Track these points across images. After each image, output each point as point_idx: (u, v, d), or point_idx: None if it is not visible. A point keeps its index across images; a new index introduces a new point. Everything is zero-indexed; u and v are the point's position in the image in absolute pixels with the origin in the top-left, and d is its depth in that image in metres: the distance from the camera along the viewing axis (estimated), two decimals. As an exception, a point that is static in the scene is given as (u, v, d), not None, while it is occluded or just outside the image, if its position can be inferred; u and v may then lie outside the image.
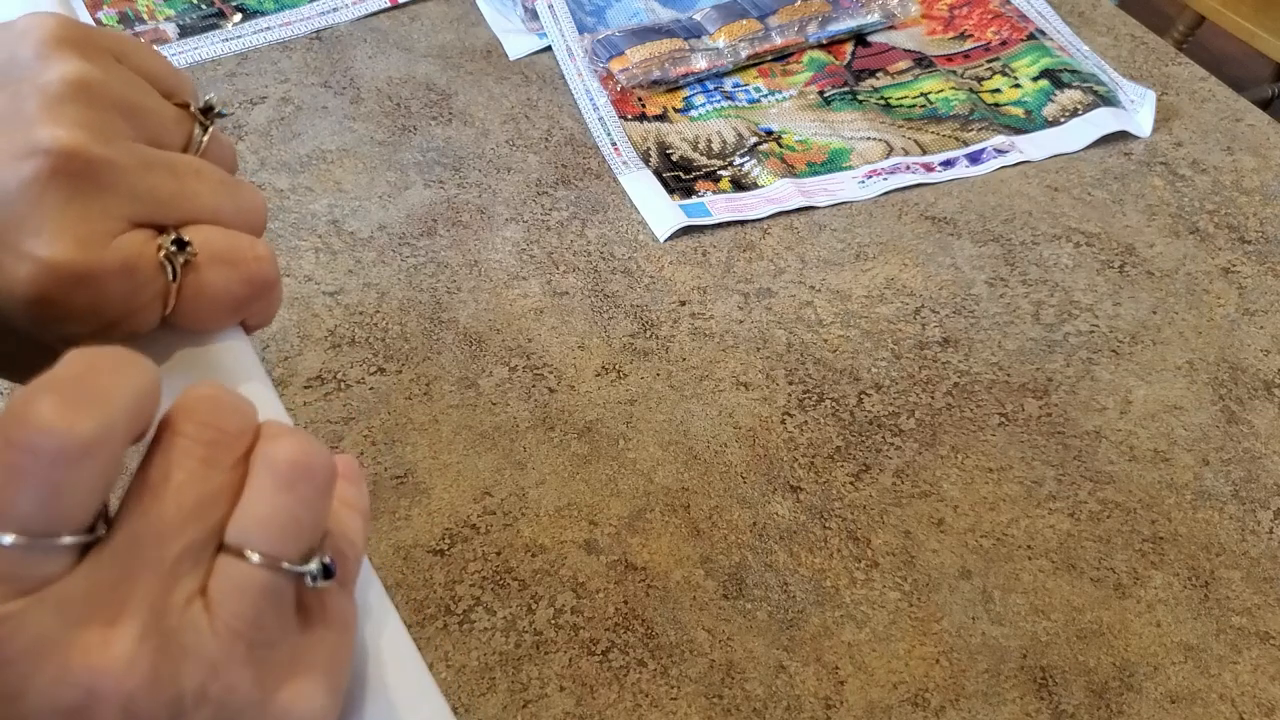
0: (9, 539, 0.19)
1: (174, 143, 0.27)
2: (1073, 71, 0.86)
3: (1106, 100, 0.83)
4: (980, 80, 0.87)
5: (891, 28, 0.90)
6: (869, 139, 0.80)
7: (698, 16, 0.87)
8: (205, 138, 0.28)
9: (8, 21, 0.26)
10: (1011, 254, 0.73)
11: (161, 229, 0.25)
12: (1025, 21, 0.91)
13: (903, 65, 0.87)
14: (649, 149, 0.78)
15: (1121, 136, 0.82)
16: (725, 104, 0.83)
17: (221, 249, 0.26)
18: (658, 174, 0.76)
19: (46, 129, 0.24)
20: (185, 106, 0.28)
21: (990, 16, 0.92)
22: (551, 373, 0.64)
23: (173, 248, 0.25)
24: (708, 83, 0.84)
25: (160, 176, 0.25)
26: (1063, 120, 0.83)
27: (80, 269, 0.24)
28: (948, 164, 0.79)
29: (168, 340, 0.27)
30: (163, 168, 0.26)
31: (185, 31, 0.83)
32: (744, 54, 0.85)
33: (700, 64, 0.84)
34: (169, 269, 0.25)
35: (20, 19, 0.26)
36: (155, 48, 0.83)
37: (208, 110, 0.28)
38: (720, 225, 0.73)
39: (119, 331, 0.25)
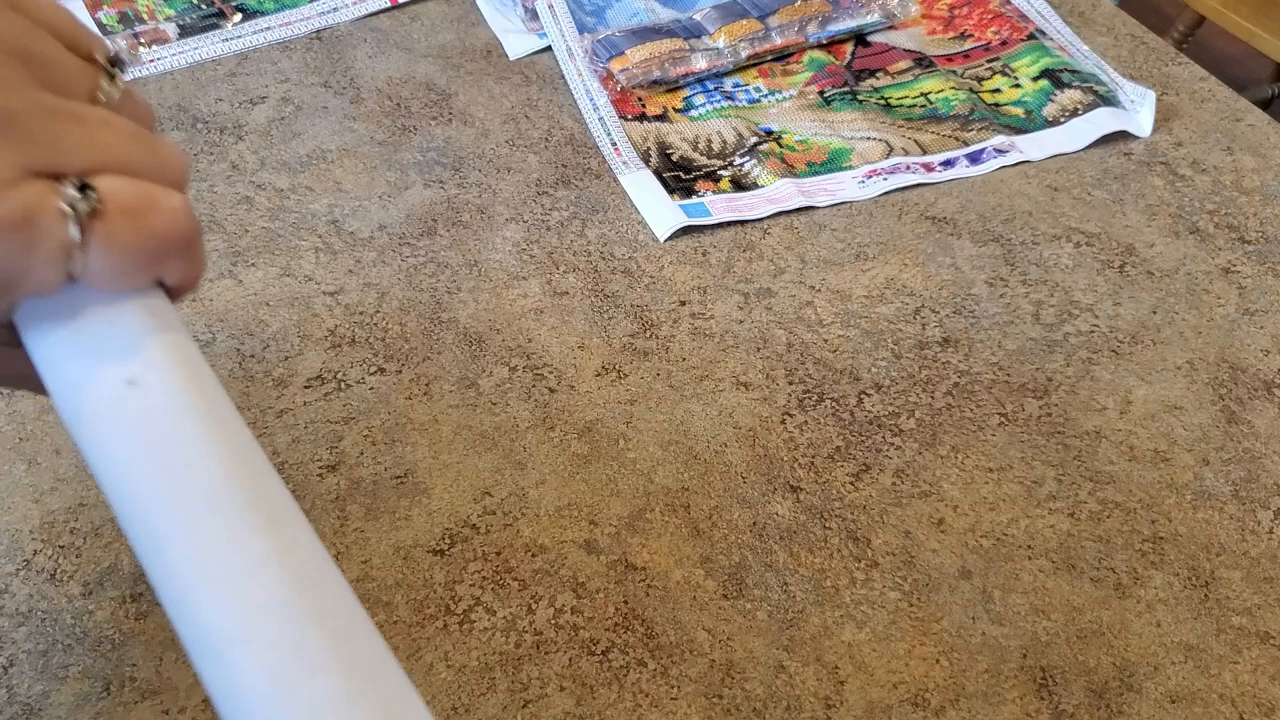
0: None
1: (79, 94, 0.25)
2: (1073, 71, 0.86)
3: (1106, 100, 0.83)
4: (980, 80, 0.87)
5: (891, 28, 0.90)
6: (869, 139, 0.80)
7: (698, 16, 0.87)
8: (116, 91, 0.26)
9: None
10: (1011, 254, 0.73)
11: (63, 180, 0.23)
12: (1025, 21, 0.91)
13: (903, 65, 0.87)
14: (649, 149, 0.78)
15: (1121, 136, 0.82)
16: (725, 104, 0.83)
17: (131, 199, 0.24)
18: (658, 174, 0.76)
19: None
20: (91, 60, 0.26)
21: (990, 16, 0.92)
22: (551, 373, 0.64)
23: (76, 194, 0.23)
24: (708, 83, 0.84)
25: (64, 124, 0.24)
26: (1063, 120, 0.83)
27: None
28: (948, 164, 0.79)
29: (74, 301, 0.24)
30: (67, 116, 0.24)
31: (185, 31, 0.83)
32: (744, 54, 0.85)
33: (700, 64, 0.84)
34: (73, 218, 0.23)
35: None
36: (156, 44, 0.82)
37: (115, 62, 0.26)
38: (720, 225, 0.73)
39: (18, 293, 0.23)
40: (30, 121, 0.23)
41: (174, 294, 0.26)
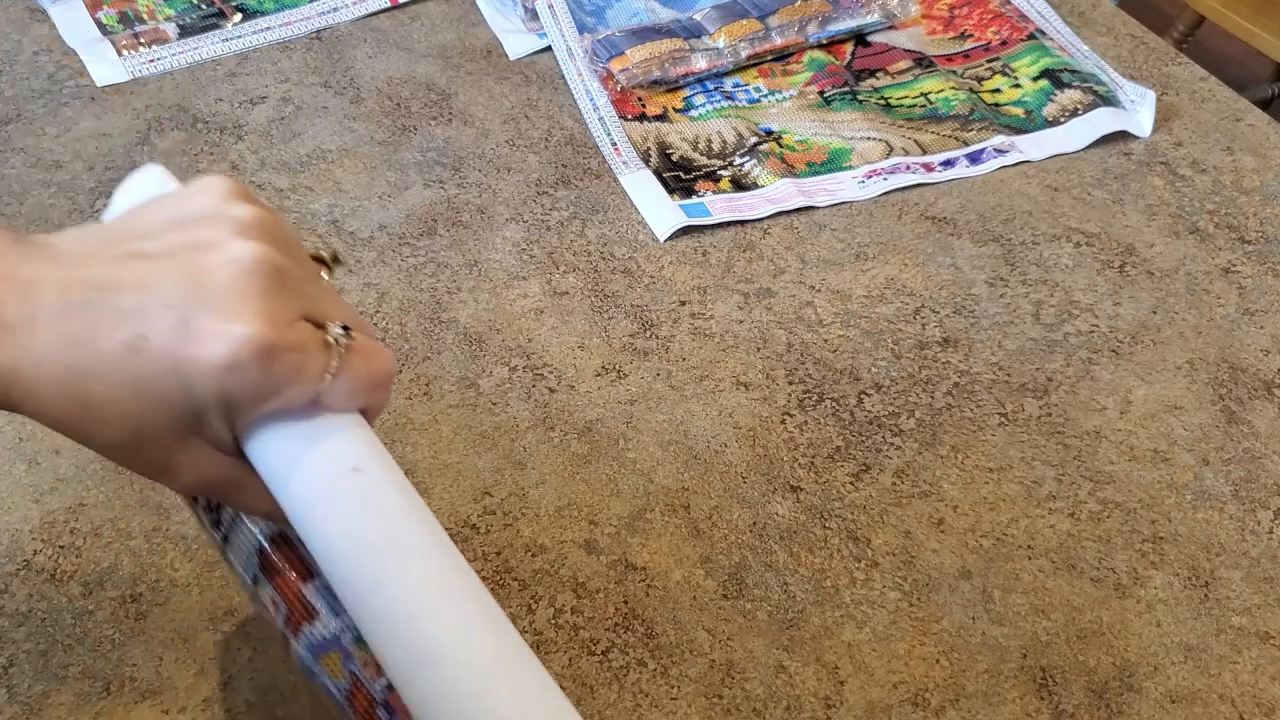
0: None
1: (314, 269, 0.35)
2: (1073, 71, 0.86)
3: (1106, 100, 0.83)
4: (980, 80, 0.87)
5: (891, 28, 0.90)
6: (869, 139, 0.80)
7: (698, 16, 0.87)
8: (329, 277, 0.36)
9: (189, 184, 0.34)
10: (1011, 254, 0.73)
11: (320, 325, 0.32)
12: (1025, 21, 0.91)
13: (903, 65, 0.87)
14: (649, 149, 0.78)
15: (1121, 136, 0.82)
16: (725, 104, 0.83)
17: (367, 344, 0.33)
18: (658, 174, 0.76)
19: (246, 244, 0.31)
20: (317, 258, 0.36)
21: (990, 16, 0.92)
22: (551, 373, 0.64)
23: (341, 332, 0.32)
24: (708, 83, 0.84)
25: (318, 287, 0.33)
26: (1063, 120, 0.83)
27: (268, 342, 0.30)
28: (948, 164, 0.79)
29: (301, 417, 0.32)
30: (319, 281, 0.34)
31: (185, 31, 0.83)
32: (744, 54, 0.85)
33: (700, 64, 0.84)
34: (336, 349, 0.32)
35: (196, 180, 0.34)
36: (156, 44, 0.82)
37: (334, 258, 0.38)
38: (720, 225, 0.73)
39: (277, 404, 0.31)
40: (302, 282, 0.32)
41: (368, 416, 0.35)
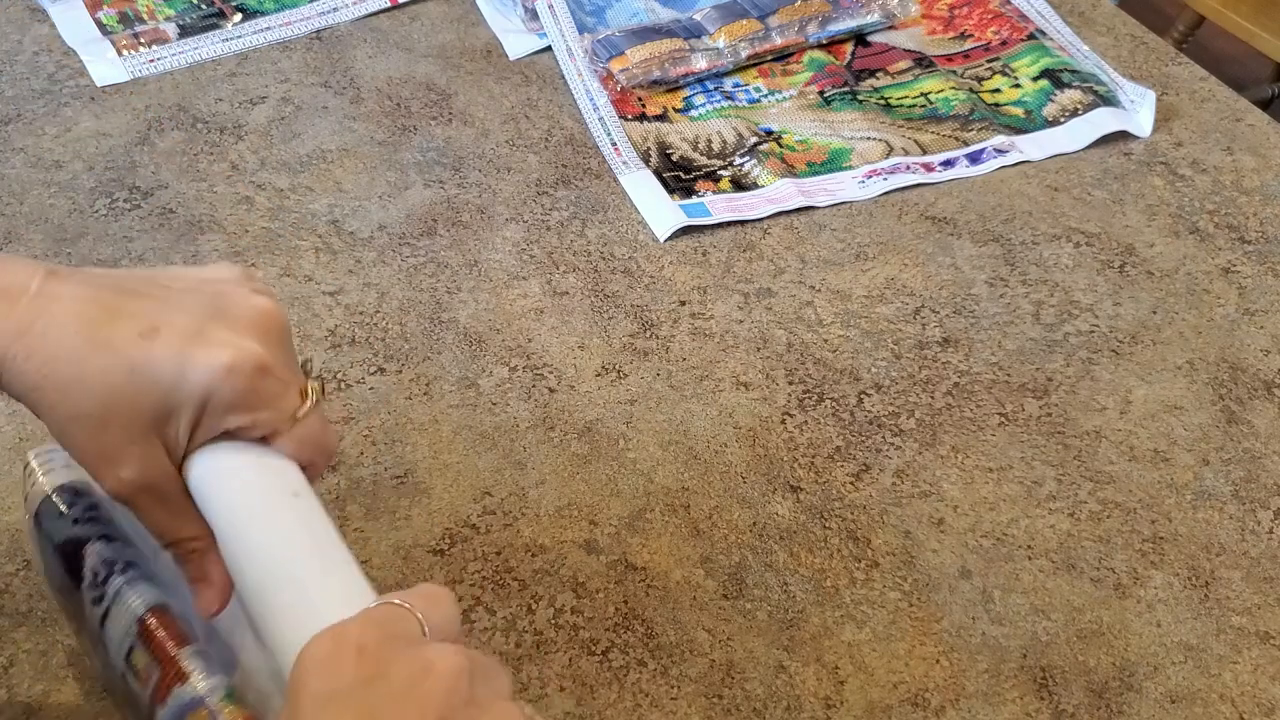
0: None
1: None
2: (1073, 71, 0.86)
3: (1106, 100, 0.83)
4: (980, 80, 0.87)
5: (891, 28, 0.90)
6: (869, 139, 0.80)
7: (698, 16, 0.87)
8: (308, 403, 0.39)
9: (204, 267, 0.38)
10: (1011, 254, 0.73)
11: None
12: (1025, 21, 0.91)
13: (903, 65, 0.87)
14: (649, 149, 0.78)
15: (1121, 136, 0.82)
16: (725, 104, 0.83)
17: (322, 418, 0.38)
18: (658, 174, 0.76)
19: (265, 299, 0.36)
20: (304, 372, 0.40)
21: (990, 16, 0.92)
22: (551, 373, 0.64)
23: (317, 386, 0.37)
24: (708, 83, 0.84)
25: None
26: (1063, 120, 0.83)
27: (266, 362, 0.35)
28: (948, 164, 0.79)
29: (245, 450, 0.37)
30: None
31: (185, 31, 0.83)
32: (744, 54, 0.85)
33: (700, 64, 0.84)
34: (310, 398, 0.36)
35: (213, 266, 0.38)
36: (156, 44, 0.82)
37: (320, 381, 0.40)
38: (720, 225, 0.73)
39: (249, 420, 0.35)
40: (291, 358, 0.37)
41: (309, 473, 0.38)
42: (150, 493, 0.36)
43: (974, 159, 0.80)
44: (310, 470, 0.38)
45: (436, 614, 0.32)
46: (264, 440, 0.36)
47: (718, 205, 0.74)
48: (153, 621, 0.38)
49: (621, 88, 0.82)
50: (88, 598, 0.40)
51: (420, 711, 0.29)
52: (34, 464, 0.43)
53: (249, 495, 0.35)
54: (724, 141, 0.79)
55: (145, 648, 0.38)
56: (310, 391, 0.37)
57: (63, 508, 0.42)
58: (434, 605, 0.32)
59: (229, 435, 0.36)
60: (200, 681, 0.36)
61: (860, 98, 0.84)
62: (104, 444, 0.34)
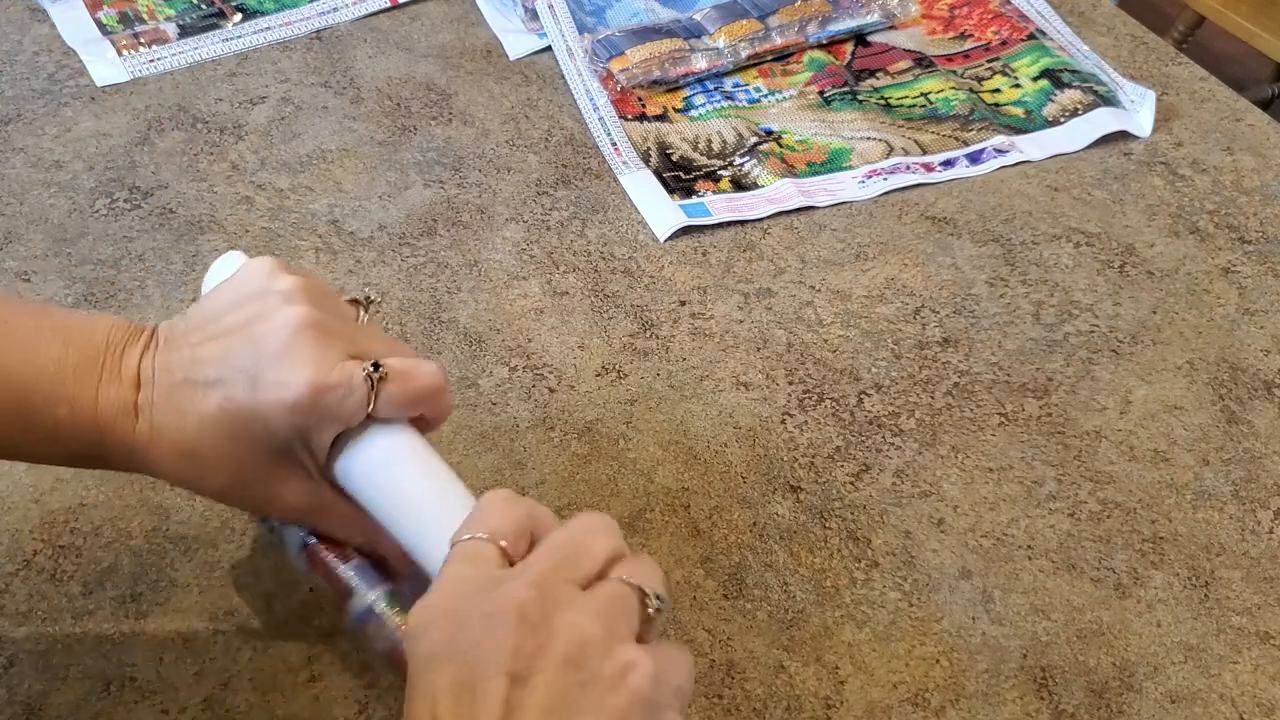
0: None
1: (349, 314, 0.43)
2: (1073, 71, 0.86)
3: (1106, 100, 0.83)
4: (980, 80, 0.87)
5: (891, 28, 0.90)
6: (869, 139, 0.80)
7: (698, 16, 0.87)
8: (366, 315, 0.44)
9: (238, 269, 0.43)
10: (1011, 254, 0.73)
11: (360, 361, 0.40)
12: (1025, 21, 0.91)
13: (903, 65, 0.87)
14: (649, 149, 0.78)
15: (1121, 136, 0.82)
16: (725, 104, 0.83)
17: (398, 369, 0.41)
18: (658, 174, 0.76)
19: (290, 309, 0.40)
20: (354, 302, 0.44)
21: (990, 16, 0.92)
22: (551, 373, 0.64)
23: (371, 368, 0.40)
24: (708, 83, 0.84)
25: (355, 328, 0.42)
26: (1063, 120, 0.83)
27: (316, 383, 0.39)
28: (948, 164, 0.79)
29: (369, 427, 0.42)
30: (355, 323, 0.43)
31: (185, 31, 0.83)
32: (744, 54, 0.85)
33: (700, 64, 0.84)
34: (370, 380, 0.40)
35: (245, 264, 0.43)
36: (156, 44, 0.82)
37: (367, 301, 0.45)
38: (720, 225, 0.73)
39: (341, 424, 0.40)
40: (338, 329, 0.41)
41: (430, 424, 0.44)
42: (311, 512, 0.43)
43: (974, 159, 0.80)
44: (432, 417, 0.43)
45: (508, 524, 0.37)
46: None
47: (718, 205, 0.74)
48: (313, 546, 0.44)
49: (621, 88, 0.82)
50: (260, 526, 0.49)
51: (498, 657, 0.33)
52: None
53: (381, 460, 0.41)
54: (724, 141, 0.79)
55: (313, 572, 0.44)
56: (369, 375, 0.40)
57: None
58: (503, 517, 0.37)
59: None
60: (364, 594, 0.42)
61: (860, 98, 0.84)
62: (254, 497, 0.42)
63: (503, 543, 0.36)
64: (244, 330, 0.40)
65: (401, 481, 0.41)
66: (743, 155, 0.78)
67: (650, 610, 0.35)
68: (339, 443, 0.41)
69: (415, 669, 0.34)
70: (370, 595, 0.41)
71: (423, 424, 0.43)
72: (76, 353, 0.40)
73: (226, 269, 0.45)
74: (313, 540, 0.44)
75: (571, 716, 0.32)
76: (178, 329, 0.41)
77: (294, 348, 0.39)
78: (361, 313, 0.44)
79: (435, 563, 0.38)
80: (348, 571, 0.42)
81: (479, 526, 0.37)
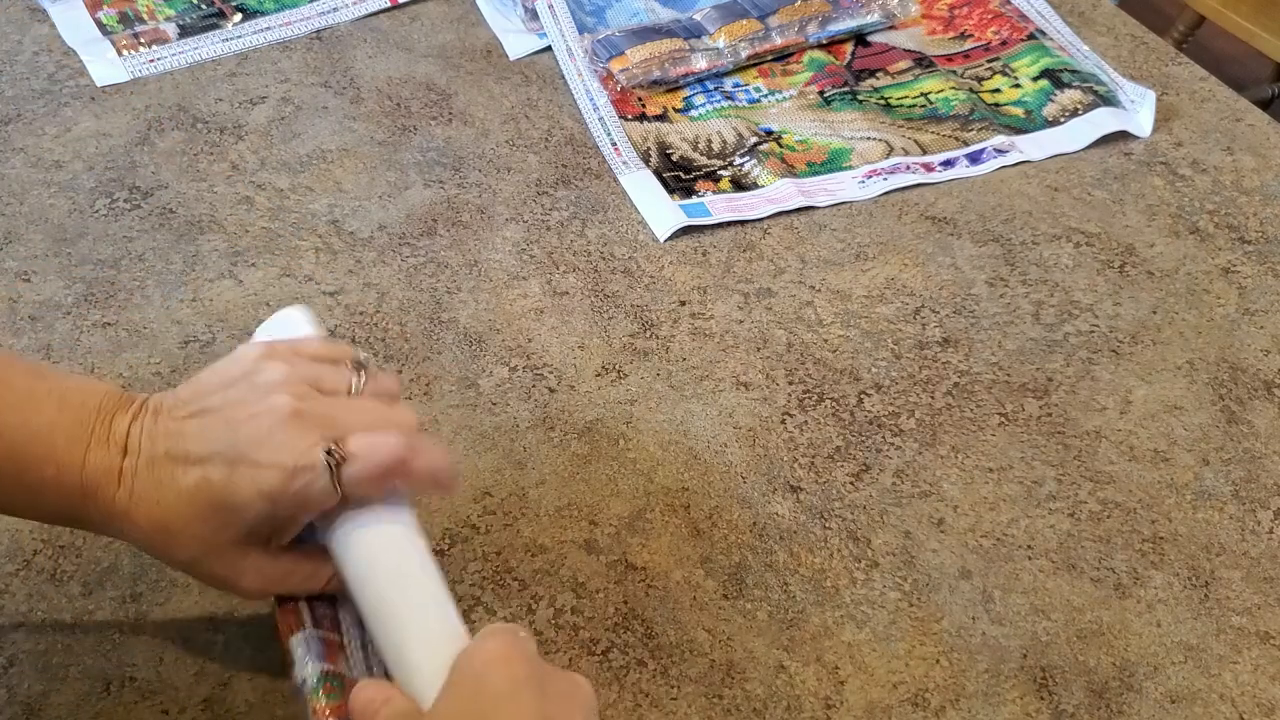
0: None
1: (341, 391, 0.44)
2: (1073, 71, 0.86)
3: (1106, 100, 0.83)
4: (980, 80, 0.87)
5: (891, 28, 0.90)
6: (869, 139, 0.80)
7: (698, 16, 0.87)
8: (361, 381, 0.44)
9: (235, 350, 0.44)
10: (1011, 254, 0.73)
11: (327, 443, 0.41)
12: (1025, 21, 0.91)
13: (903, 65, 0.87)
14: (649, 149, 0.78)
15: (1121, 136, 0.82)
16: (725, 104, 0.83)
17: (356, 448, 0.41)
18: (658, 174, 0.76)
19: (270, 399, 0.41)
20: (345, 365, 0.45)
21: (990, 16, 0.92)
22: (551, 373, 0.64)
23: (325, 453, 0.40)
24: (708, 83, 0.84)
25: (334, 411, 0.42)
26: (1063, 120, 0.83)
27: (288, 471, 0.40)
28: (948, 164, 0.79)
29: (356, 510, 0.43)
30: (334, 407, 0.43)
31: (185, 31, 0.83)
32: (744, 54, 0.85)
33: (700, 64, 0.84)
34: (329, 464, 0.40)
35: (241, 347, 0.44)
36: (156, 44, 0.82)
37: (359, 364, 0.45)
38: (720, 225, 0.73)
39: (315, 508, 0.42)
40: (319, 417, 0.41)
41: (433, 489, 0.47)
42: (275, 583, 0.44)
43: (974, 159, 0.80)
44: (406, 487, 0.44)
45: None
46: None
47: (718, 205, 0.74)
48: (283, 609, 0.44)
49: (621, 88, 0.82)
50: None
51: (580, 713, 0.37)
52: None
53: (368, 540, 0.42)
54: (724, 141, 0.79)
55: (275, 637, 0.44)
56: (328, 461, 0.41)
57: None
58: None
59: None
60: (300, 668, 0.42)
61: (860, 98, 0.84)
62: (217, 573, 0.43)
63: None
64: (227, 412, 0.41)
65: (383, 583, 0.42)
66: (743, 155, 0.78)
67: None
68: (333, 515, 0.42)
69: (489, 691, 0.37)
70: (304, 671, 0.42)
71: (428, 489, 0.45)
72: (69, 417, 0.41)
73: (283, 325, 0.47)
74: (286, 603, 0.44)
75: None
76: (167, 401, 0.43)
77: (271, 435, 0.40)
78: (356, 380, 0.44)
79: (412, 672, 0.39)
80: (294, 642, 0.43)
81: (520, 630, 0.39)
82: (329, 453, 0.40)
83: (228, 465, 0.40)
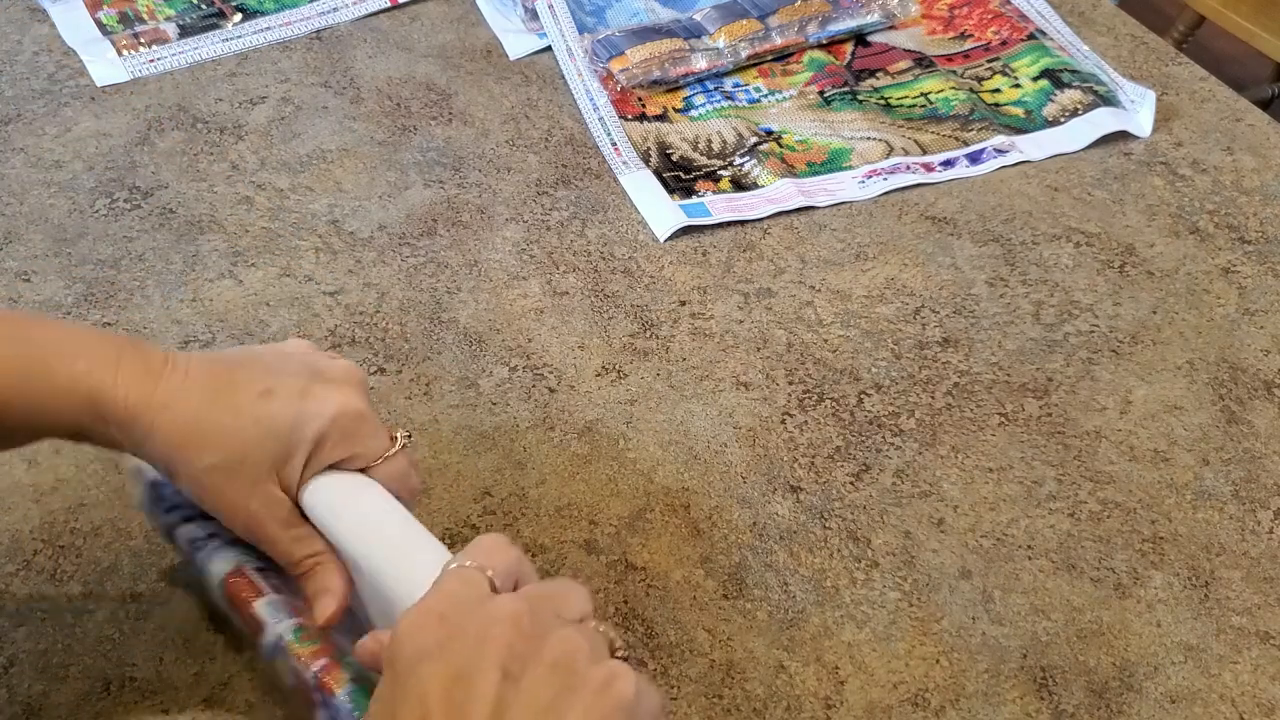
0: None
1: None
2: (1073, 71, 0.86)
3: (1106, 100, 0.83)
4: (980, 80, 0.87)
5: (891, 28, 0.90)
6: (869, 139, 0.80)
7: (698, 16, 0.87)
8: (396, 449, 0.46)
9: (282, 343, 0.46)
10: (1011, 254, 0.73)
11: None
12: (1025, 21, 0.91)
13: (903, 65, 0.87)
14: (649, 149, 0.78)
15: (1121, 136, 0.82)
16: (725, 104, 0.83)
17: (411, 460, 0.46)
18: (658, 174, 0.76)
19: (342, 360, 0.45)
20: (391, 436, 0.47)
21: (990, 16, 0.92)
22: (551, 373, 0.64)
23: (404, 435, 0.45)
24: (708, 83, 0.84)
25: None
26: (1063, 120, 0.83)
27: (363, 408, 0.44)
28: (948, 164, 0.79)
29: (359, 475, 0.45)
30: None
31: (185, 31, 0.83)
32: (744, 54, 0.85)
33: (700, 64, 0.84)
34: (402, 438, 0.45)
35: (289, 342, 0.47)
36: (156, 44, 0.82)
37: (394, 438, 0.46)
38: (720, 225, 0.73)
39: (350, 453, 0.43)
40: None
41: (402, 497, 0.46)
42: (274, 523, 0.43)
43: (974, 159, 0.80)
44: (401, 497, 0.45)
45: (499, 562, 0.37)
46: (360, 470, 0.44)
47: (718, 205, 0.74)
48: (233, 583, 0.44)
49: (621, 88, 0.82)
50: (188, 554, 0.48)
51: (492, 654, 0.34)
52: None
53: (358, 506, 0.43)
54: (724, 141, 0.79)
55: (231, 609, 0.44)
56: (399, 438, 0.45)
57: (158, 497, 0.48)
58: (495, 555, 0.38)
59: (331, 466, 0.44)
60: (274, 626, 0.42)
61: (860, 98, 0.84)
62: (234, 488, 0.42)
63: (491, 573, 0.37)
64: (298, 358, 0.44)
65: (381, 513, 0.43)
66: (743, 155, 0.78)
67: (620, 656, 0.37)
68: (324, 473, 0.44)
69: (402, 668, 0.34)
70: (279, 628, 0.42)
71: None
72: (101, 336, 0.42)
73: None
74: (235, 577, 0.44)
75: (560, 717, 0.32)
76: (224, 353, 0.45)
77: (349, 380, 0.44)
78: (391, 447, 0.46)
79: (404, 588, 0.40)
80: (261, 606, 0.43)
81: (474, 557, 0.38)
82: (409, 437, 0.45)
83: (302, 388, 0.42)
